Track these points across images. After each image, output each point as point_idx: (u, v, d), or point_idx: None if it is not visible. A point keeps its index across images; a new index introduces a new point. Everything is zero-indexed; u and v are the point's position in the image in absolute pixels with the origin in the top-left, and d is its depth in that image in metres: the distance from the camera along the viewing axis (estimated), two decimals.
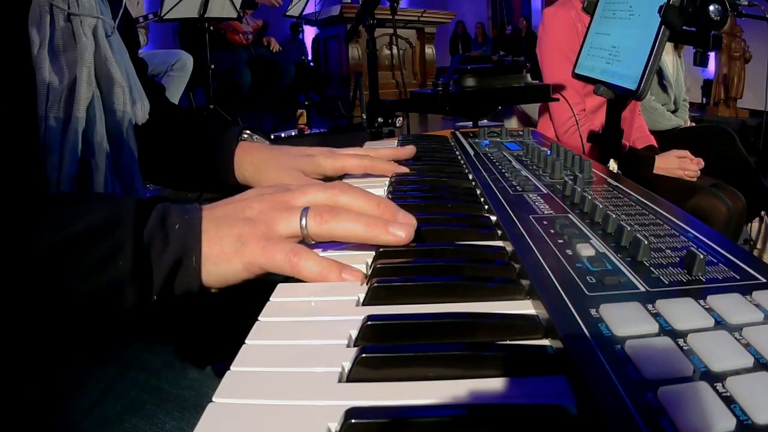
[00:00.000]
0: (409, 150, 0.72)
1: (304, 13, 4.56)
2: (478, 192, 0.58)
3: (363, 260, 0.42)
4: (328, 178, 0.67)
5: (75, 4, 0.55)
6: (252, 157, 0.69)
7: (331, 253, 0.44)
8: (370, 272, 0.40)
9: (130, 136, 0.62)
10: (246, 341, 0.32)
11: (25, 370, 0.43)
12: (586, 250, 0.37)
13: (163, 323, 0.51)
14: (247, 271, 0.40)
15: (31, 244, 0.35)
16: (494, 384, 0.26)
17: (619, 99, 0.87)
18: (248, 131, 0.73)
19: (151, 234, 0.39)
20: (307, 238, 0.41)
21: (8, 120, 0.50)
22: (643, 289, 0.31)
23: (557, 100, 1.45)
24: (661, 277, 0.33)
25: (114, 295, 0.37)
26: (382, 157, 0.68)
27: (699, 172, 1.63)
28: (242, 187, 0.70)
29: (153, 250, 0.38)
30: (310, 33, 6.21)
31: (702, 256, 0.33)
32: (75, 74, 0.54)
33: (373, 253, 0.42)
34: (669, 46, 2.14)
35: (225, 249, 0.40)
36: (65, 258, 0.36)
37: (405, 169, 0.66)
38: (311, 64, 5.70)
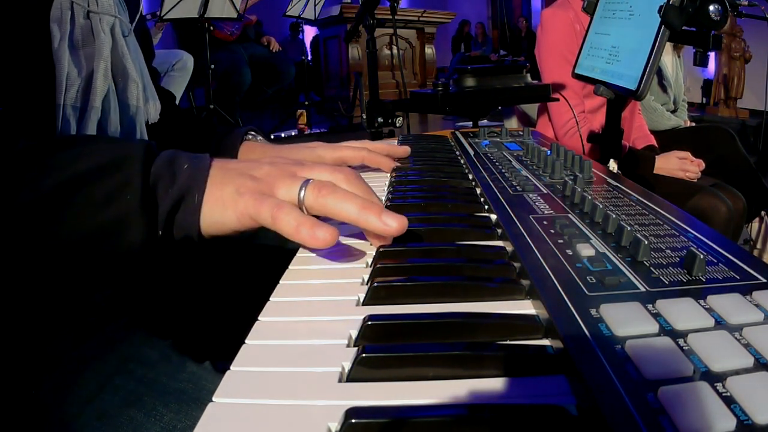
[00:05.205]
0: (404, 150, 0.75)
1: (303, 13, 4.56)
2: (478, 192, 0.58)
3: (363, 260, 0.43)
4: None
5: (94, 3, 0.58)
6: (256, 155, 0.70)
7: (333, 249, 0.44)
8: (370, 272, 0.40)
9: (143, 132, 0.64)
10: (246, 341, 0.32)
11: (24, 362, 0.43)
12: (586, 250, 0.37)
13: (167, 273, 0.53)
14: (238, 221, 0.41)
15: (36, 183, 0.36)
16: (494, 384, 0.26)
17: (619, 99, 0.87)
18: (252, 132, 0.74)
19: (159, 171, 0.40)
20: (302, 208, 0.42)
21: (28, 109, 0.53)
22: (643, 289, 0.31)
23: (557, 100, 1.45)
24: (661, 277, 0.33)
25: (121, 229, 0.38)
26: (380, 150, 0.70)
27: (699, 173, 1.63)
28: None
29: (160, 186, 0.40)
30: (310, 33, 6.21)
31: (702, 256, 0.33)
32: (92, 67, 0.57)
33: (374, 252, 0.43)
34: (669, 46, 2.14)
35: (224, 195, 0.41)
36: (72, 194, 0.37)
37: (399, 164, 0.69)
38: (311, 64, 5.70)
